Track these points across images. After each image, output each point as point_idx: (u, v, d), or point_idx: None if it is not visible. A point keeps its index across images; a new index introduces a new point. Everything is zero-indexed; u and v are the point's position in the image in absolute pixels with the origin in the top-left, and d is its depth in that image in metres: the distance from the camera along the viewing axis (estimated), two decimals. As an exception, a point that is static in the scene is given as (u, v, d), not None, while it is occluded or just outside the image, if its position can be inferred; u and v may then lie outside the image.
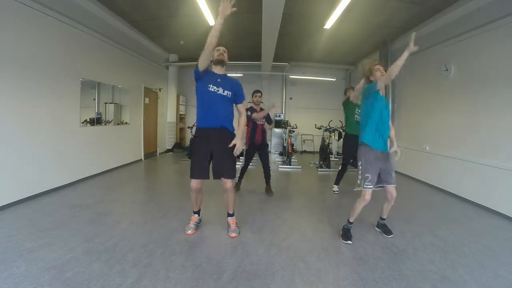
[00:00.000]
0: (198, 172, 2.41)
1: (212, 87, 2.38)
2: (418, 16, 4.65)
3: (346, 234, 2.49)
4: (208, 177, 2.43)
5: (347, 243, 2.41)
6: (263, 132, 3.97)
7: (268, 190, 3.98)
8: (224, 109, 2.43)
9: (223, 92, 2.40)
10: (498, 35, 3.49)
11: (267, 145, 4.03)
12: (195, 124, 2.58)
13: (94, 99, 4.71)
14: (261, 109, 3.98)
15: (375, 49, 6.52)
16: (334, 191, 4.09)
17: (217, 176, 2.46)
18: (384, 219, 2.66)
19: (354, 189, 2.47)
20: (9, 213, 2.83)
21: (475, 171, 3.72)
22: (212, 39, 2.12)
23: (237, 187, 3.97)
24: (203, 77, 2.38)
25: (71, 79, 4.01)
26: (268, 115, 3.96)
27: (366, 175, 2.34)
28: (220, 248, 2.27)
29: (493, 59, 3.57)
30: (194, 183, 2.43)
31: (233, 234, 2.50)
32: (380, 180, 2.44)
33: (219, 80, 2.41)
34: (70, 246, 2.16)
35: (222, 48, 2.45)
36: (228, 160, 2.44)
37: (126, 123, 5.80)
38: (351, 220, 2.51)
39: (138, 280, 1.76)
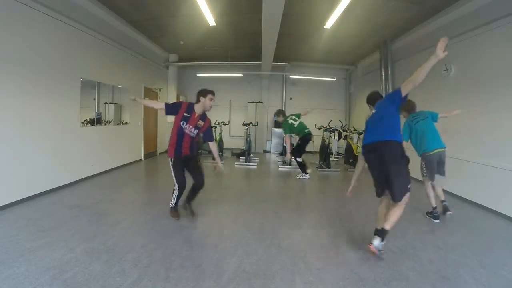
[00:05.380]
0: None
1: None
2: (418, 16, 4.65)
3: (432, 214, 3.06)
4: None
5: (436, 221, 2.97)
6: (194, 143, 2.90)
7: (190, 211, 2.94)
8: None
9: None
10: (498, 35, 3.48)
11: (195, 156, 2.96)
12: None
13: (94, 99, 4.71)
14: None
15: (375, 49, 6.52)
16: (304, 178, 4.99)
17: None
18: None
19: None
20: (9, 213, 2.83)
21: (475, 171, 3.71)
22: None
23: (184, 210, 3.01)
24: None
25: (71, 79, 4.01)
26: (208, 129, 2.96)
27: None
28: (220, 248, 2.27)
29: (493, 59, 3.56)
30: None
31: None
32: None
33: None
34: (70, 246, 2.16)
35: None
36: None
37: (126, 123, 5.80)
38: (433, 205, 3.07)
39: (138, 280, 1.76)
